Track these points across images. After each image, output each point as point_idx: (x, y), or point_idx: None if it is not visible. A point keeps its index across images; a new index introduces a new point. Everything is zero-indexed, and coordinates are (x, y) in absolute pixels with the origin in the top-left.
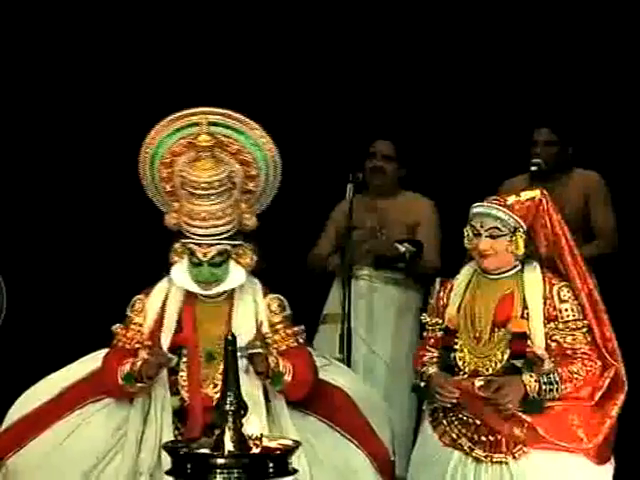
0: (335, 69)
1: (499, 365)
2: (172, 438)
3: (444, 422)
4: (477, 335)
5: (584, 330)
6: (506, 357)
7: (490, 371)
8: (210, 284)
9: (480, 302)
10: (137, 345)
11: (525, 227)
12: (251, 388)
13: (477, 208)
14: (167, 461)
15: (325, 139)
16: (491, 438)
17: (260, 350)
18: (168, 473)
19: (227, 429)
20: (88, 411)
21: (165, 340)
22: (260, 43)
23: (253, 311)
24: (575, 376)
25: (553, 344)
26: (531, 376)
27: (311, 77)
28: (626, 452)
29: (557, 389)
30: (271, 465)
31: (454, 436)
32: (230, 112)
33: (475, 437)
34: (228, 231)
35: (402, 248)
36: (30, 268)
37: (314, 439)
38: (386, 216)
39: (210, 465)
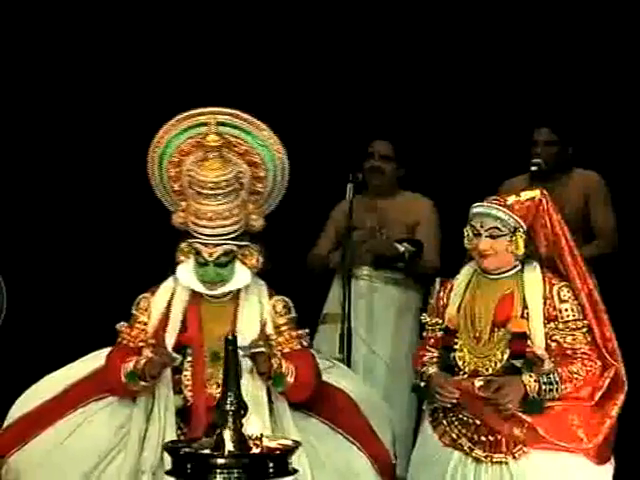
0: (336, 69)
1: (499, 365)
2: (175, 437)
3: (444, 422)
4: (477, 335)
5: (584, 330)
6: (506, 357)
7: (490, 371)
8: (215, 284)
9: (480, 302)
10: (141, 344)
11: (525, 227)
12: (254, 389)
13: (477, 208)
14: (169, 460)
15: (325, 139)
16: (491, 438)
17: (263, 349)
18: (168, 473)
19: (227, 429)
20: (91, 409)
21: (170, 339)
22: (260, 43)
23: (258, 312)
24: (575, 376)
25: (553, 344)
26: (531, 376)
27: (311, 77)
28: (626, 452)
29: (557, 389)
30: (271, 465)
31: (454, 436)
32: (239, 112)
33: (475, 437)
34: (235, 231)
35: (401, 248)
36: (31, 267)
37: (316, 441)
38: (386, 216)
39: (210, 465)
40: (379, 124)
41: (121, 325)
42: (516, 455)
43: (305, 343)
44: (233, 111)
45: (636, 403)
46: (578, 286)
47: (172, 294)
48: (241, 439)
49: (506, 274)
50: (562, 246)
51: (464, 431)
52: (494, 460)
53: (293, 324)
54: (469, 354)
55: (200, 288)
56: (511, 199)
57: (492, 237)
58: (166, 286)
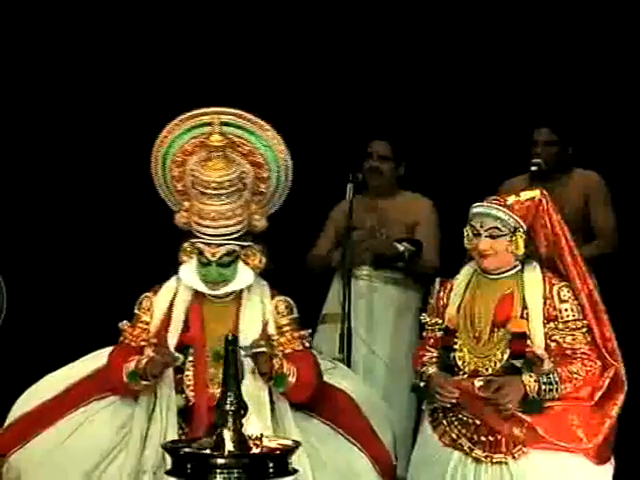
0: (336, 68)
1: (499, 365)
2: (176, 437)
3: (444, 422)
4: (477, 335)
5: (584, 330)
6: (506, 357)
7: (490, 371)
8: (218, 284)
9: (480, 302)
10: (143, 343)
11: (525, 227)
12: (256, 389)
13: (477, 208)
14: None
15: (325, 139)
16: (491, 438)
17: (264, 350)
18: (168, 473)
19: (227, 429)
20: (92, 409)
21: (172, 339)
22: (260, 43)
23: (260, 312)
24: (575, 376)
25: (553, 344)
26: (531, 376)
27: (311, 77)
28: (626, 452)
29: (557, 389)
30: (271, 465)
31: (454, 436)
32: (243, 112)
33: (475, 437)
34: (238, 232)
35: (401, 247)
36: (32, 267)
37: (317, 442)
38: (385, 216)
39: (210, 465)
40: (379, 124)
41: (123, 324)
42: (516, 455)
43: (307, 344)
44: (237, 111)
45: (636, 403)
46: (578, 286)
47: (174, 294)
48: (241, 439)
49: (506, 274)
50: (562, 246)
51: (464, 431)
52: (494, 460)
53: (295, 325)
54: (469, 354)
55: (202, 288)
56: (511, 199)
57: (492, 237)
58: (169, 286)
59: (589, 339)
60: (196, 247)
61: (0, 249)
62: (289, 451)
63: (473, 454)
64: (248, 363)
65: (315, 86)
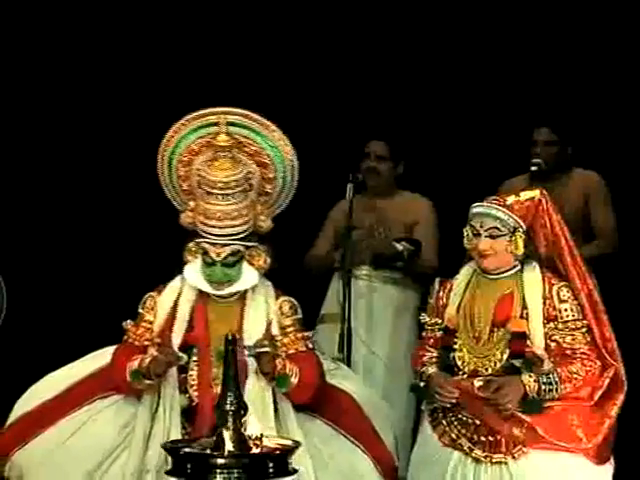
0: (336, 68)
1: (498, 365)
2: (180, 437)
3: (443, 422)
4: (476, 335)
5: (583, 330)
6: (505, 357)
7: (489, 371)
8: (222, 284)
9: (479, 302)
10: (147, 342)
11: (525, 227)
12: (260, 390)
13: (477, 208)
14: None
15: (325, 139)
16: (490, 438)
17: (267, 349)
18: (168, 473)
19: (227, 429)
20: (95, 408)
21: (176, 339)
22: (260, 43)
23: (264, 312)
24: (574, 376)
25: (552, 344)
26: (530, 376)
27: (312, 76)
28: (626, 452)
29: (556, 389)
30: (271, 465)
31: (454, 436)
32: (249, 113)
33: (475, 437)
34: (243, 232)
35: (400, 247)
36: (32, 267)
37: (320, 443)
38: (384, 216)
39: (210, 465)
40: (379, 124)
41: (127, 323)
42: (515, 455)
43: (310, 345)
44: (244, 111)
45: (636, 403)
46: (578, 286)
47: (179, 293)
48: (241, 439)
49: (505, 274)
50: (562, 246)
51: (464, 431)
52: (494, 460)
53: (299, 325)
54: (468, 354)
55: (207, 288)
56: (511, 199)
57: (492, 237)
58: (173, 285)
59: (589, 339)
60: (201, 247)
61: (0, 249)
62: (289, 451)
63: (473, 454)
64: (252, 363)
65: (315, 86)
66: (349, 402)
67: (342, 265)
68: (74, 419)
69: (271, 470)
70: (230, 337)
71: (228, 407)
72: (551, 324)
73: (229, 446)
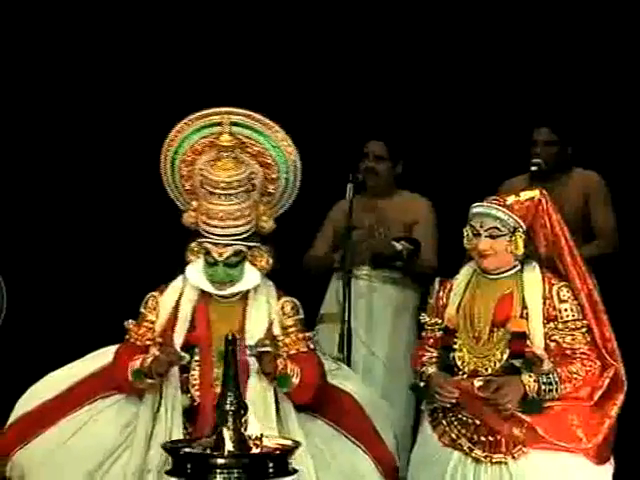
0: (335, 67)
1: (498, 365)
2: (181, 437)
3: (443, 422)
4: (476, 335)
5: (583, 330)
6: (505, 357)
7: (489, 371)
8: (224, 284)
9: (479, 302)
10: (148, 342)
11: (524, 227)
12: (262, 390)
13: (477, 208)
14: None
15: (325, 139)
16: (490, 438)
17: (269, 349)
18: (168, 473)
19: (227, 429)
20: (97, 407)
21: (178, 338)
22: (259, 44)
23: (266, 313)
24: (574, 376)
25: (552, 344)
26: (530, 376)
27: (311, 77)
28: (626, 452)
29: (556, 389)
30: (271, 465)
31: (453, 436)
32: (253, 113)
33: (475, 437)
34: (245, 232)
35: (399, 246)
36: (33, 267)
37: (322, 443)
38: (384, 215)
39: (210, 465)
40: (379, 124)
41: (129, 323)
42: (515, 455)
43: (311, 345)
44: (247, 112)
45: (636, 403)
46: (578, 286)
47: (181, 293)
48: (241, 439)
49: (505, 274)
50: (562, 246)
51: (463, 431)
52: (494, 460)
53: (301, 325)
54: (468, 354)
55: (209, 288)
56: (511, 199)
57: (492, 237)
58: (175, 285)
59: (589, 339)
60: (203, 247)
61: (0, 249)
62: (289, 451)
63: (473, 454)
64: (253, 363)
65: (315, 86)
66: (350, 402)
67: (342, 265)
68: (75, 419)
69: (271, 470)
70: (230, 337)
71: (228, 407)
72: (551, 324)
73: (229, 446)
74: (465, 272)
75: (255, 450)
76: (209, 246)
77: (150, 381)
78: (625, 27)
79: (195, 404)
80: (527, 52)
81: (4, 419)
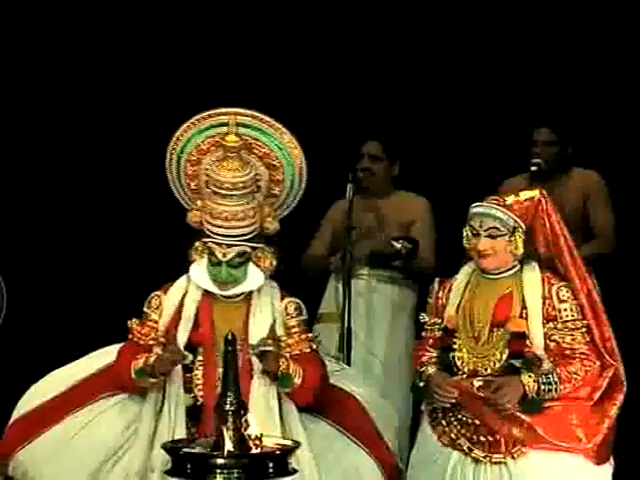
0: (335, 67)
1: (498, 365)
2: (185, 436)
3: (443, 422)
4: (476, 335)
5: (583, 330)
6: (505, 357)
7: (489, 371)
8: (228, 284)
9: (479, 302)
10: (151, 342)
11: (524, 227)
12: (265, 390)
13: (476, 208)
14: None
15: (325, 139)
16: (490, 438)
17: (271, 348)
18: (168, 473)
19: (227, 429)
20: (99, 407)
21: (181, 338)
22: (259, 44)
23: (270, 313)
24: (574, 376)
25: (552, 344)
26: (530, 376)
27: (310, 76)
28: (626, 452)
29: (556, 389)
30: (271, 465)
31: (453, 436)
32: (259, 114)
33: (474, 437)
34: (250, 233)
35: (398, 245)
36: (35, 266)
37: (324, 444)
38: (382, 215)
39: (210, 465)
40: (379, 123)
41: (132, 322)
42: (515, 455)
43: (314, 346)
44: (254, 112)
45: (636, 403)
46: (577, 286)
47: (184, 293)
48: (241, 439)
49: (505, 274)
50: (561, 246)
51: (463, 431)
52: (493, 460)
53: (304, 326)
54: (468, 354)
55: (212, 288)
56: (510, 199)
57: (491, 237)
58: (179, 285)
59: (588, 339)
60: (207, 247)
61: (0, 249)
62: (289, 451)
63: (472, 454)
64: (257, 364)
65: (314, 86)
66: (353, 403)
67: (342, 265)
68: (78, 418)
69: (271, 470)
70: (230, 337)
71: (228, 407)
72: (550, 324)
73: (229, 446)
74: (464, 272)
75: (255, 450)
76: (213, 246)
77: (153, 380)
78: (625, 27)
79: (198, 404)
80: (527, 52)
81: (5, 419)
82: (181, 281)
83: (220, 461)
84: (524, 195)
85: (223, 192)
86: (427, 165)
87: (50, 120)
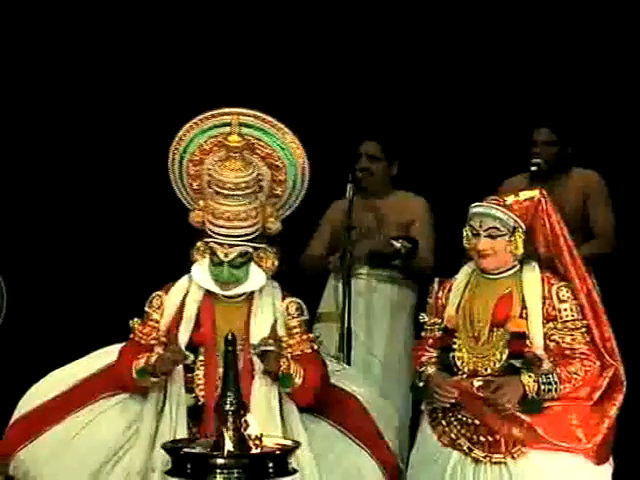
0: (335, 66)
1: (498, 365)
2: (186, 436)
3: (443, 422)
4: (476, 335)
5: (583, 330)
6: (505, 357)
7: (489, 371)
8: (229, 284)
9: (479, 302)
10: (153, 342)
11: (524, 227)
12: (266, 390)
13: (476, 208)
14: None
15: (324, 139)
16: (490, 438)
17: (272, 348)
18: (168, 473)
19: (227, 429)
20: (100, 407)
21: (183, 338)
22: (259, 44)
23: (271, 313)
24: (574, 376)
25: (552, 344)
26: (530, 376)
27: (310, 76)
28: (626, 452)
29: (556, 389)
30: (271, 465)
31: (453, 436)
32: (262, 114)
33: (474, 437)
34: (252, 233)
35: (397, 244)
36: (36, 266)
37: (325, 444)
38: (382, 215)
39: (210, 465)
40: (379, 123)
41: (134, 322)
42: (515, 455)
43: (315, 346)
44: (256, 112)
45: (636, 403)
46: (577, 286)
47: (186, 293)
48: (241, 439)
49: (505, 274)
50: (561, 246)
51: (463, 431)
52: (493, 460)
53: (305, 326)
54: (468, 354)
55: (214, 288)
56: (510, 199)
57: (491, 237)
58: (180, 284)
59: (588, 339)
60: (209, 247)
61: (1, 249)
62: (289, 451)
63: (472, 454)
64: (258, 364)
65: (314, 86)
66: (354, 404)
67: (342, 264)
68: (79, 418)
69: (271, 470)
70: (230, 337)
71: (228, 407)
72: (550, 324)
73: (229, 446)
74: (464, 272)
75: (255, 450)
76: (215, 246)
77: (154, 380)
78: (625, 27)
79: (199, 404)
80: (527, 52)
81: (6, 419)
82: (183, 281)
83: (220, 461)
84: (524, 195)
85: (225, 192)
86: (426, 165)
87: (52, 121)
